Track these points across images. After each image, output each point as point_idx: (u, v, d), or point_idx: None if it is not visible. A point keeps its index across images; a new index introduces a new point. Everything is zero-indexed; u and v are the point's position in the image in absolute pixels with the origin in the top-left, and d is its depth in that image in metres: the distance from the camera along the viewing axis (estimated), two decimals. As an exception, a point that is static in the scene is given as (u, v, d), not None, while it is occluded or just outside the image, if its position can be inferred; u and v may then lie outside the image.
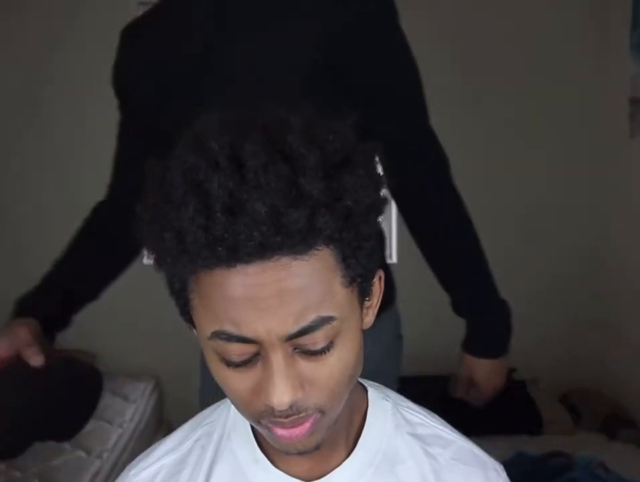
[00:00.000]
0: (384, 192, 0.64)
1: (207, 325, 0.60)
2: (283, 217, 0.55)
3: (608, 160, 3.29)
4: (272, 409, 0.60)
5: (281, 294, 0.57)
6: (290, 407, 0.60)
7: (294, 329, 0.58)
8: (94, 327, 3.31)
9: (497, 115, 3.36)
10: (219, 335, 0.59)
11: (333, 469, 0.73)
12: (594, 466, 2.52)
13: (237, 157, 0.56)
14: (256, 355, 0.60)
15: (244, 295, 0.57)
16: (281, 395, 0.59)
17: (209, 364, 0.64)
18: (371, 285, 0.67)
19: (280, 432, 0.63)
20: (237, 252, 0.55)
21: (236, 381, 0.62)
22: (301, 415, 0.62)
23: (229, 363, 0.61)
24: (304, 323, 0.58)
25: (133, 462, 0.80)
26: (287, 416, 0.61)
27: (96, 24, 3.12)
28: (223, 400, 0.81)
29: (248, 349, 0.60)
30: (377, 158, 0.66)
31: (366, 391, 0.79)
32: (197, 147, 0.58)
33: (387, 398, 0.80)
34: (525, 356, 3.29)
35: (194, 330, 0.67)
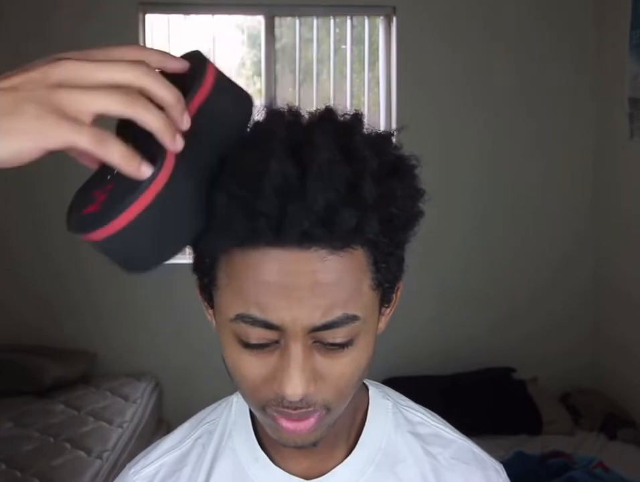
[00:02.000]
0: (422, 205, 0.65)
1: (232, 306, 0.61)
2: (337, 214, 0.56)
3: (608, 160, 3.29)
4: (282, 398, 0.61)
5: (313, 286, 0.58)
6: (301, 399, 0.60)
7: (320, 322, 0.59)
8: (94, 327, 3.33)
9: (496, 115, 3.36)
10: (244, 318, 0.60)
11: (333, 467, 0.74)
12: (593, 466, 2.52)
13: (302, 146, 0.57)
14: (275, 343, 0.61)
15: (277, 281, 0.58)
16: (295, 386, 0.59)
17: (223, 345, 0.64)
18: (393, 293, 0.68)
19: (284, 424, 0.63)
20: (281, 234, 0.56)
21: (250, 365, 0.62)
22: (309, 409, 0.62)
23: (247, 346, 0.61)
24: (330, 318, 0.59)
25: (133, 461, 0.80)
26: (295, 408, 0.61)
27: (97, 24, 3.12)
28: (223, 399, 0.81)
29: (269, 336, 0.60)
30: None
31: (367, 389, 0.79)
32: (266, 130, 0.60)
33: (388, 397, 0.80)
34: (524, 356, 3.30)
35: (209, 310, 0.68)
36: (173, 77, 0.54)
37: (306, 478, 0.73)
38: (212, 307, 0.66)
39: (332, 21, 3.41)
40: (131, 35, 3.18)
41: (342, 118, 0.64)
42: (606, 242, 3.33)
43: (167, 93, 0.52)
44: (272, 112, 0.64)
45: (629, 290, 3.07)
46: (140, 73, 0.51)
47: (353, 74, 3.44)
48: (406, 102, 3.33)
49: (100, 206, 0.53)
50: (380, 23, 3.43)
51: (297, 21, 3.40)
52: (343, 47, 3.46)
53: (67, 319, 3.30)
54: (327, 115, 0.64)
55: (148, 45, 3.30)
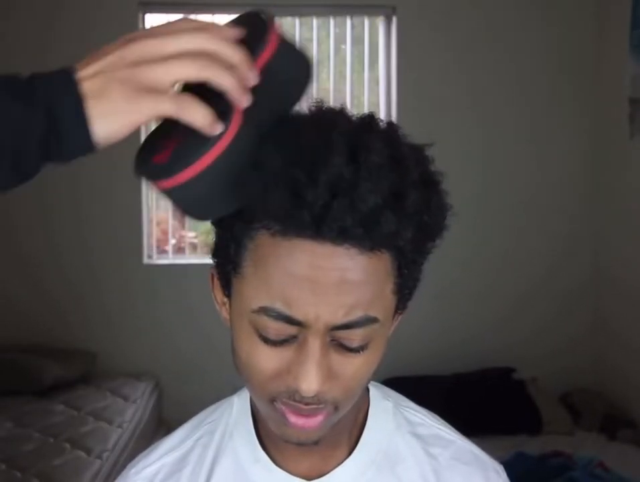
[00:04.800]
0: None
1: (255, 298, 0.60)
2: (380, 217, 0.57)
3: (608, 160, 3.29)
4: (294, 393, 0.61)
5: (341, 283, 0.58)
6: (314, 396, 0.61)
7: (341, 320, 0.59)
8: (94, 327, 3.33)
9: (496, 115, 3.36)
10: (268, 312, 0.59)
11: (334, 468, 0.74)
12: (593, 466, 2.52)
13: (358, 147, 0.58)
14: (294, 337, 0.61)
15: (306, 275, 0.58)
16: (311, 381, 0.60)
17: (238, 335, 0.63)
18: (410, 300, 0.68)
19: (293, 419, 0.63)
20: (320, 227, 0.57)
21: (266, 357, 0.62)
22: (320, 406, 0.62)
23: (265, 340, 0.61)
24: (352, 318, 0.59)
25: (134, 461, 0.80)
26: (306, 404, 0.62)
27: (97, 24, 3.12)
28: (224, 400, 0.81)
29: (288, 330, 0.60)
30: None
31: (367, 390, 0.79)
32: (328, 119, 0.62)
33: (388, 398, 0.80)
34: (524, 356, 3.30)
35: (224, 299, 0.67)
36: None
37: (307, 479, 0.73)
38: (228, 296, 0.66)
39: (332, 21, 3.41)
40: (131, 35, 3.18)
41: (383, 126, 0.64)
42: (607, 243, 3.33)
43: (234, 53, 0.55)
44: (328, 107, 0.65)
45: (629, 291, 3.07)
46: (206, 38, 0.55)
47: (353, 74, 3.44)
48: (406, 102, 3.33)
49: (170, 155, 0.57)
50: (380, 23, 3.43)
51: (297, 21, 3.40)
52: (343, 47, 3.46)
53: (68, 319, 3.30)
54: (370, 120, 0.64)
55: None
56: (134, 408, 2.91)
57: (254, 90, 0.57)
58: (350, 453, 0.74)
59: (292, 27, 3.42)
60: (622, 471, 2.52)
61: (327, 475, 0.73)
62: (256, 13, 0.62)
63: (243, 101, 0.55)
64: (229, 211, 0.60)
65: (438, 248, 0.66)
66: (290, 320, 0.59)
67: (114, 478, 0.80)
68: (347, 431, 0.74)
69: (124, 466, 0.81)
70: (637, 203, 2.99)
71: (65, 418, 2.77)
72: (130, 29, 3.11)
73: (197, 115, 0.54)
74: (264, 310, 0.60)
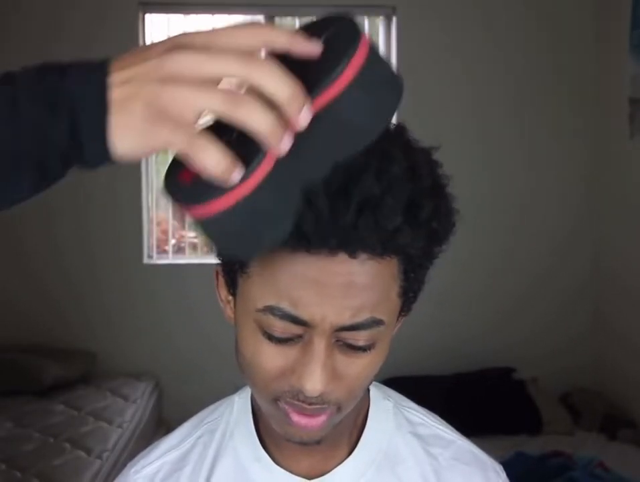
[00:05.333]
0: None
1: (262, 297, 0.60)
2: (391, 222, 0.57)
3: (608, 160, 3.29)
4: (298, 392, 0.61)
5: (348, 286, 0.58)
6: (318, 396, 0.61)
7: (348, 322, 0.59)
8: (94, 327, 3.33)
9: (496, 114, 3.36)
10: (273, 311, 0.59)
11: (334, 467, 0.74)
12: (593, 466, 2.52)
13: (383, 159, 0.58)
14: (299, 337, 0.61)
15: (313, 277, 0.58)
16: (315, 382, 0.60)
17: (242, 333, 0.63)
18: (414, 302, 0.69)
19: (296, 418, 0.63)
20: (344, 244, 0.57)
21: (270, 356, 0.62)
22: (323, 406, 0.62)
23: (271, 338, 0.61)
24: (358, 320, 0.60)
25: (134, 460, 0.80)
26: (310, 404, 0.62)
27: (97, 24, 3.13)
28: (224, 399, 0.81)
29: (294, 330, 0.60)
30: None
31: (368, 390, 0.79)
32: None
33: (389, 398, 0.80)
34: (524, 356, 3.30)
35: (230, 296, 0.67)
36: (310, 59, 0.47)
37: (308, 478, 0.73)
38: (233, 294, 0.66)
39: (332, 21, 3.40)
40: (131, 34, 3.18)
41: (393, 129, 0.64)
42: (607, 243, 3.33)
43: (281, 88, 0.47)
44: None
45: (629, 291, 3.07)
46: (253, 67, 0.47)
47: (353, 74, 3.44)
48: (406, 102, 3.31)
49: (191, 180, 0.50)
50: (380, 23, 3.43)
51: (297, 21, 3.40)
52: (343, 47, 3.46)
53: (68, 319, 3.30)
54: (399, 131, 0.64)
55: (147, 44, 3.30)
56: (134, 408, 2.91)
57: (307, 134, 0.47)
58: (350, 453, 0.74)
59: (292, 27, 3.42)
60: (622, 471, 2.52)
61: (328, 475, 0.73)
62: (345, 21, 0.50)
63: (278, 149, 0.47)
64: (255, 250, 0.55)
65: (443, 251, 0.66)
66: (295, 320, 0.59)
67: (114, 479, 0.80)
68: (348, 431, 0.75)
69: (124, 466, 0.81)
70: (637, 203, 2.99)
71: (65, 418, 2.77)
72: (130, 29, 3.11)
73: (209, 160, 0.47)
74: (270, 309, 0.60)
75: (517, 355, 3.30)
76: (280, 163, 0.47)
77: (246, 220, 0.49)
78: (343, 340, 0.61)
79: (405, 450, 0.76)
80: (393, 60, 3.37)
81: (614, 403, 3.12)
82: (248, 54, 0.48)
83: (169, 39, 0.50)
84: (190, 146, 0.47)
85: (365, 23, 3.42)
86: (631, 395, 3.06)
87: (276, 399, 0.64)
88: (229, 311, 0.68)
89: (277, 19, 3.39)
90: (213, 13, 3.37)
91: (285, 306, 0.59)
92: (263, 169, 0.47)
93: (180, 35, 0.50)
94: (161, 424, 3.14)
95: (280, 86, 0.46)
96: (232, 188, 0.47)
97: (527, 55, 3.34)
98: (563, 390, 3.29)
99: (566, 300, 3.40)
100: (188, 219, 0.52)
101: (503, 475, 0.80)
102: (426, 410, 0.83)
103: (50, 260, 3.27)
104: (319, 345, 0.60)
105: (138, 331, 3.33)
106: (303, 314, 0.59)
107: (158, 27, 3.38)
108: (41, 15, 3.18)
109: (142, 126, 0.48)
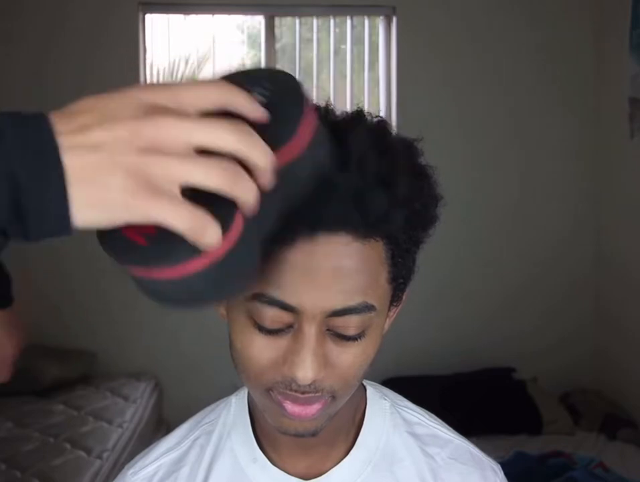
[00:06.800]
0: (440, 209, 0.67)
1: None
2: (370, 200, 0.58)
3: (608, 160, 3.29)
4: (291, 382, 0.61)
5: (336, 270, 0.59)
6: (310, 384, 0.61)
7: (340, 305, 0.59)
8: (94, 327, 3.33)
9: (497, 114, 3.36)
10: (261, 298, 0.60)
11: (331, 467, 0.74)
12: (593, 466, 2.52)
13: (342, 140, 0.58)
14: (289, 326, 0.61)
15: (300, 262, 0.58)
16: (307, 369, 0.60)
17: (233, 326, 0.64)
18: (404, 291, 0.68)
19: (290, 408, 0.63)
20: (317, 219, 0.57)
21: (261, 347, 0.62)
22: (317, 394, 0.62)
23: (261, 329, 0.61)
24: (350, 303, 0.60)
25: (132, 461, 0.80)
26: (303, 392, 0.62)
27: (97, 24, 3.13)
28: (222, 400, 0.81)
29: (284, 318, 0.60)
30: None
31: (365, 390, 0.79)
32: None
33: (386, 398, 0.80)
34: (524, 356, 3.30)
35: None
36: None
37: (305, 479, 0.73)
38: None
39: (332, 21, 3.41)
40: (131, 34, 3.19)
41: (371, 119, 0.65)
42: (607, 242, 3.33)
43: (264, 158, 0.46)
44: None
45: (629, 290, 3.07)
46: (240, 137, 0.45)
47: (353, 74, 3.44)
48: (406, 102, 3.33)
49: (153, 237, 0.45)
50: (380, 23, 3.43)
51: (297, 21, 3.40)
52: (343, 47, 3.46)
53: (68, 319, 3.30)
54: (358, 114, 0.65)
55: (148, 45, 3.31)
56: (134, 408, 2.91)
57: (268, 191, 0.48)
58: (347, 453, 0.74)
59: (292, 27, 3.42)
60: (622, 471, 2.52)
61: (325, 475, 0.73)
62: (291, 78, 0.52)
63: (251, 209, 0.46)
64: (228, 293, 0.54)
65: (436, 244, 0.67)
66: (284, 307, 0.59)
67: (114, 479, 0.80)
68: (345, 430, 0.75)
69: (124, 466, 0.81)
70: (637, 203, 2.99)
71: (65, 418, 2.77)
72: (130, 29, 3.10)
73: (184, 224, 0.43)
74: (257, 297, 0.60)
75: (518, 350, 3.30)
76: (246, 219, 0.48)
77: (218, 278, 0.48)
78: (333, 329, 0.61)
79: (402, 450, 0.76)
80: (394, 60, 3.37)
81: (614, 403, 3.12)
82: (235, 124, 0.45)
83: (128, 95, 0.44)
84: (174, 217, 0.43)
85: (365, 23, 3.43)
86: (631, 396, 3.06)
87: (269, 391, 0.64)
88: (222, 309, 0.69)
89: (277, 19, 3.39)
90: (213, 14, 3.37)
91: (272, 292, 0.59)
92: (237, 228, 0.47)
93: (138, 89, 0.45)
94: (161, 424, 3.14)
95: (263, 155, 0.46)
96: (197, 255, 0.45)
97: (527, 55, 3.34)
98: (563, 390, 3.29)
99: (567, 294, 3.40)
100: (135, 277, 0.49)
101: (501, 474, 0.80)
102: (424, 409, 0.83)
103: (50, 260, 3.27)
104: (309, 332, 0.60)
105: (138, 331, 3.33)
106: (291, 299, 0.59)
107: (158, 27, 3.38)
108: (41, 15, 3.18)
109: (121, 199, 0.42)
